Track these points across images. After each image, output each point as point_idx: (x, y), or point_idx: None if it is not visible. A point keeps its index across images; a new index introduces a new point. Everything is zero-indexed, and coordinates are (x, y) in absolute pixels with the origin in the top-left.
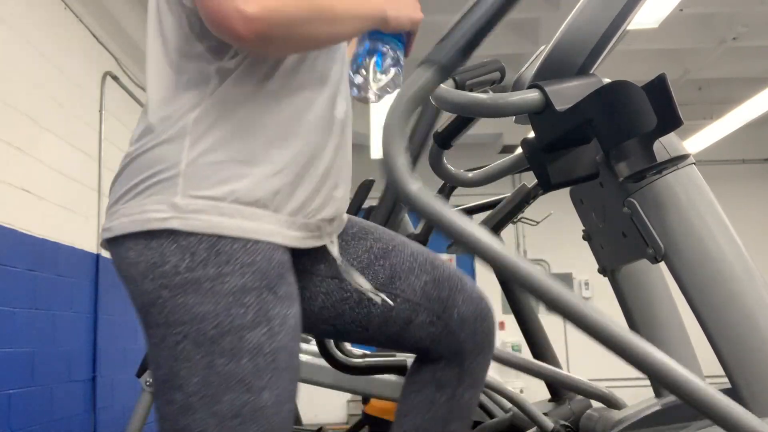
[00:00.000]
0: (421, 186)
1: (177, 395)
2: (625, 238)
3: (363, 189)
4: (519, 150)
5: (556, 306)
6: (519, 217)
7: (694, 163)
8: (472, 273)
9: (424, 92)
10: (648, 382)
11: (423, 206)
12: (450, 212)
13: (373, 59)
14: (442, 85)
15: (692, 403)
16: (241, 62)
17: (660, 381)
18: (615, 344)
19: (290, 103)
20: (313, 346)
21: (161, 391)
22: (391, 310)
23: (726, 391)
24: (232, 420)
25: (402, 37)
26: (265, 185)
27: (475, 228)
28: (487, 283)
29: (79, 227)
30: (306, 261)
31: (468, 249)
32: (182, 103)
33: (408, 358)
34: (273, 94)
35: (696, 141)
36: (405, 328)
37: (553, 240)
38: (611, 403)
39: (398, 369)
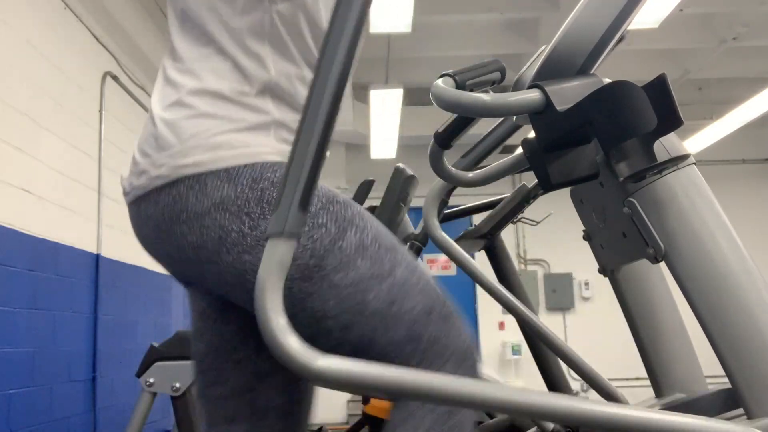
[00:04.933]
0: (299, 342)
1: (329, 323)
2: (625, 238)
3: (363, 189)
4: (519, 150)
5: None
6: (519, 217)
7: (694, 163)
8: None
9: (285, 262)
10: (648, 382)
11: (312, 371)
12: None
13: None
14: (441, 84)
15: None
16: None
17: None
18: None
19: None
20: None
21: (324, 329)
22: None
23: (726, 391)
24: (391, 306)
25: None
26: None
27: (382, 369)
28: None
29: (79, 227)
30: None
31: (384, 395)
32: None
33: None
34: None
35: (696, 141)
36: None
37: (553, 240)
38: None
39: None
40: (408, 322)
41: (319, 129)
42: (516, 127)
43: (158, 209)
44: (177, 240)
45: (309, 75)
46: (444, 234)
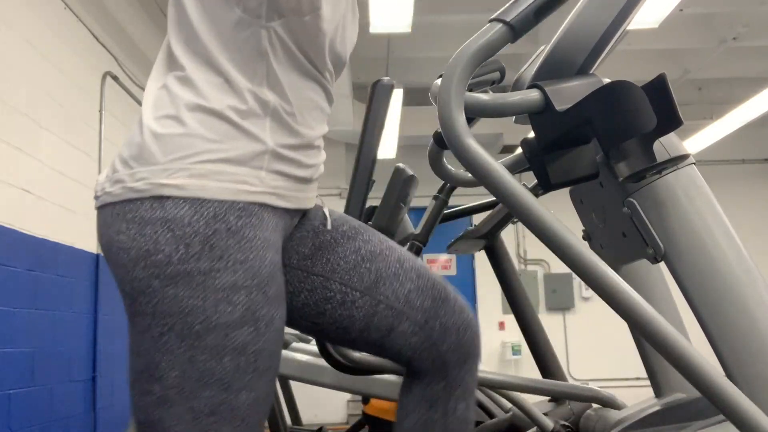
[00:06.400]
0: (475, 141)
1: (155, 386)
2: (625, 238)
3: None
4: (519, 150)
5: (594, 285)
6: None
7: (694, 163)
8: (472, 272)
9: (489, 49)
10: (648, 382)
11: (475, 160)
12: (499, 169)
13: None
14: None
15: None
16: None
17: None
18: (642, 325)
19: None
20: (313, 346)
21: (138, 380)
22: (373, 315)
23: None
24: (208, 417)
25: None
26: None
27: (520, 188)
28: (487, 284)
29: (79, 227)
30: (293, 255)
31: (511, 209)
32: None
33: None
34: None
35: (696, 141)
36: (387, 335)
37: None
38: (611, 404)
39: (398, 369)
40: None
41: None
42: None
43: (116, 204)
44: (111, 235)
45: (307, 93)
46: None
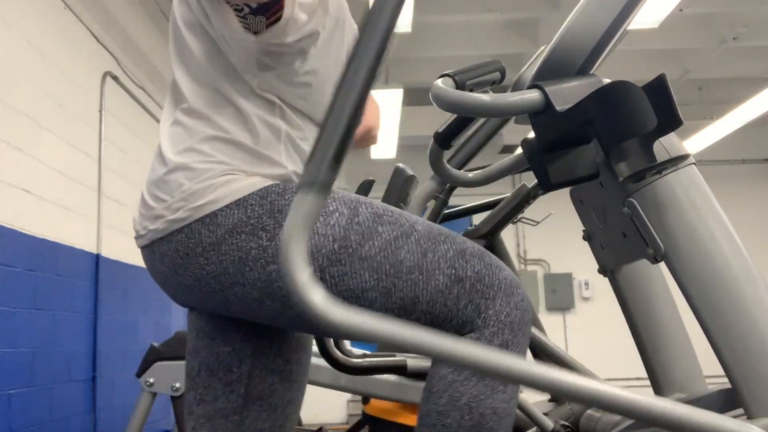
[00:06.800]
0: (324, 293)
1: (370, 294)
2: (625, 238)
3: (363, 189)
4: (519, 150)
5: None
6: (519, 217)
7: (694, 163)
8: None
9: (312, 218)
10: (648, 382)
11: (332, 322)
12: (366, 321)
13: None
14: (441, 85)
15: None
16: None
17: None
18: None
19: None
20: (312, 346)
21: (367, 301)
22: None
23: (726, 391)
24: (425, 257)
25: None
26: None
27: (390, 325)
28: None
29: (79, 227)
30: None
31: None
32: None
33: (408, 358)
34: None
35: (696, 141)
36: None
37: (553, 240)
38: None
39: (398, 369)
40: (447, 266)
41: (360, 83)
42: (502, 124)
43: (172, 246)
44: (195, 272)
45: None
46: None
